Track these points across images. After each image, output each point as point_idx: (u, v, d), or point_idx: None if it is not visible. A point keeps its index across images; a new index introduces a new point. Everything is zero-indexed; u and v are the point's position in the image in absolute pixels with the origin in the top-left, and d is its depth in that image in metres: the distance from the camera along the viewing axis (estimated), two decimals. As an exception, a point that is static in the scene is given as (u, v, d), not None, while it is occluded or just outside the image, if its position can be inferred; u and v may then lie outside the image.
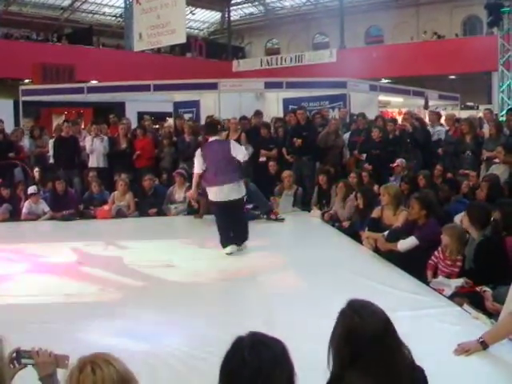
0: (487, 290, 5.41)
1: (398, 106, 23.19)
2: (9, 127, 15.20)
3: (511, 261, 5.83)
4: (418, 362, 2.85)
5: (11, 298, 6.47)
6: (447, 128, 12.80)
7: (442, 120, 14.02)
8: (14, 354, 2.80)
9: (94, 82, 23.27)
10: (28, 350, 2.82)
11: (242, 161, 8.50)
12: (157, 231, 10.66)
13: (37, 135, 14.98)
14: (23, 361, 2.80)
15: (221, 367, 2.19)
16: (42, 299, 6.39)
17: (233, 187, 8.40)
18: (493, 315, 5.10)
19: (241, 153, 8.45)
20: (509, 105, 21.51)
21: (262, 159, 13.03)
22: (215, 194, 8.45)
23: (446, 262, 6.47)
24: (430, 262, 6.71)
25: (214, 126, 9.26)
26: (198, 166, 8.58)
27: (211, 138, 8.81)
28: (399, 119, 14.65)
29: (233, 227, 8.58)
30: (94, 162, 13.57)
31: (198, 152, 8.66)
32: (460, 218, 6.98)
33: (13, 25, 30.45)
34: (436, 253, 6.67)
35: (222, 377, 2.19)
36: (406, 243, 7.41)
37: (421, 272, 6.77)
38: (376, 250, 8.11)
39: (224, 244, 8.44)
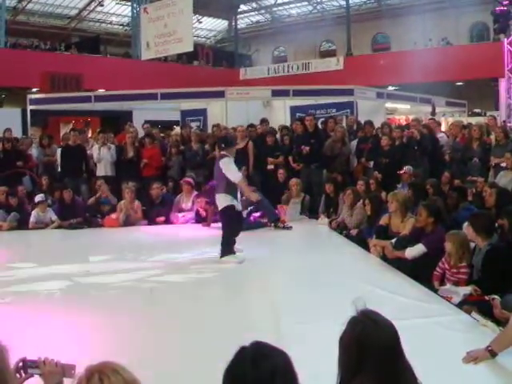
0: (496, 298, 5.39)
1: (405, 113, 23.16)
2: (17, 136, 15.26)
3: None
4: (426, 370, 2.83)
5: (15, 306, 6.47)
6: (453, 135, 12.82)
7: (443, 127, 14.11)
8: (21, 364, 2.79)
9: (101, 91, 23.31)
10: (34, 360, 2.80)
11: (233, 181, 8.65)
12: (164, 239, 10.65)
13: (46, 144, 15.03)
14: (29, 370, 2.79)
15: (223, 376, 2.19)
16: (47, 307, 6.41)
17: (217, 197, 8.84)
18: (501, 323, 5.07)
19: (232, 173, 8.64)
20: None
21: (270, 167, 13.04)
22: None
23: (452, 270, 6.45)
24: (435, 272, 6.70)
25: (219, 141, 9.66)
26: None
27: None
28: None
29: None
30: (101, 170, 13.61)
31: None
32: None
33: (21, 34, 30.55)
34: (440, 263, 6.65)
35: None
36: (414, 251, 7.40)
37: (429, 280, 6.75)
38: (384, 258, 8.09)
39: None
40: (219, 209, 8.89)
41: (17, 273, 8.18)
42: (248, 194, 9.22)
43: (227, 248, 8.61)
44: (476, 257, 6.27)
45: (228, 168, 8.59)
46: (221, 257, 8.56)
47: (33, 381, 2.83)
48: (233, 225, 8.80)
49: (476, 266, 6.20)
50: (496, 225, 6.54)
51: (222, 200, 8.70)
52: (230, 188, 8.65)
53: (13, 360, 2.64)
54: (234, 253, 8.62)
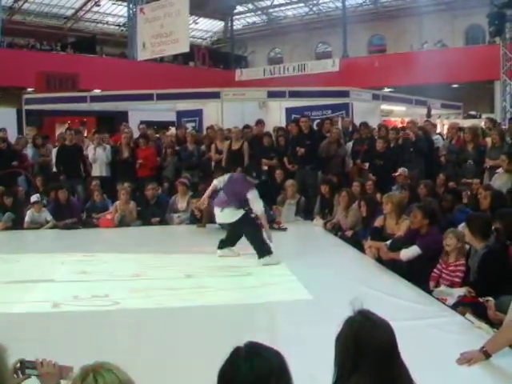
0: (490, 300, 5.40)
1: (400, 115, 23.21)
2: (12, 136, 15.24)
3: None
4: (420, 372, 2.84)
5: (11, 306, 6.47)
6: (449, 137, 12.88)
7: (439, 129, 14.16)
8: (18, 365, 2.80)
9: (97, 91, 23.30)
10: (32, 361, 2.81)
11: (255, 213, 8.71)
12: (159, 240, 10.66)
13: (39, 144, 15.02)
14: (27, 371, 2.79)
15: (217, 376, 2.20)
16: (43, 308, 6.40)
17: (226, 211, 8.67)
18: (495, 325, 5.10)
19: (258, 205, 8.65)
20: (511, 113, 21.57)
21: (264, 168, 13.05)
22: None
23: (449, 268, 6.49)
24: (433, 274, 6.72)
25: (251, 168, 9.83)
26: (215, 183, 9.12)
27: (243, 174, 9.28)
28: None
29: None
30: (96, 170, 13.61)
31: (228, 176, 9.13)
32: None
33: (16, 34, 30.50)
34: (439, 265, 6.68)
35: None
36: (409, 252, 7.41)
37: (423, 281, 6.77)
38: (379, 259, 8.11)
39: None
40: (232, 221, 8.74)
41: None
42: (267, 231, 8.98)
43: (263, 247, 8.55)
44: (472, 259, 6.29)
45: (257, 200, 8.62)
46: (259, 257, 8.48)
47: (30, 382, 2.84)
48: (256, 226, 8.81)
49: (472, 267, 6.21)
50: (492, 227, 6.56)
51: (235, 213, 8.60)
52: (243, 205, 8.65)
53: (11, 360, 2.65)
54: (271, 252, 8.50)
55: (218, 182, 9.08)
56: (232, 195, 8.64)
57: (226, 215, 8.71)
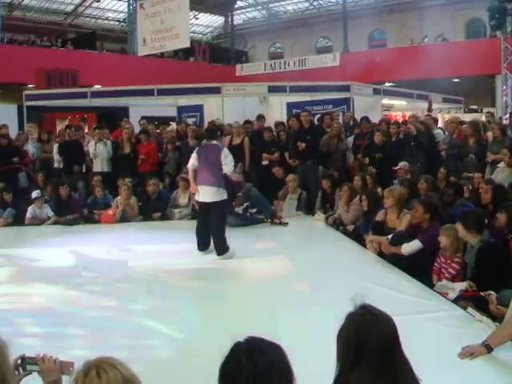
0: (491, 294, 5.41)
1: (401, 109, 23.15)
2: (13, 132, 15.22)
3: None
4: (422, 366, 2.84)
5: (13, 303, 6.47)
6: (450, 131, 12.85)
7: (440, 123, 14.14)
8: (19, 361, 2.80)
9: (97, 87, 23.24)
10: (33, 357, 2.81)
11: (225, 172, 8.76)
12: (161, 235, 10.64)
13: (44, 140, 15.01)
14: (28, 367, 2.80)
15: (219, 372, 2.20)
16: (44, 304, 6.40)
17: (210, 190, 8.71)
18: (497, 318, 5.10)
19: (228, 165, 8.75)
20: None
21: (265, 163, 13.04)
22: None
23: (447, 261, 6.49)
24: (434, 267, 6.72)
25: (212, 131, 9.75)
26: (191, 162, 9.06)
27: (208, 142, 9.20)
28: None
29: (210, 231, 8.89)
30: (97, 166, 13.57)
31: (195, 151, 9.22)
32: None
33: (17, 30, 30.47)
34: (438, 259, 6.68)
35: (220, 381, 2.19)
36: (410, 246, 7.42)
37: (425, 275, 6.78)
38: (380, 254, 8.11)
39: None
40: (213, 200, 8.71)
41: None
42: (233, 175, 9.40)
43: (224, 244, 8.60)
44: (468, 254, 6.29)
45: (229, 159, 8.73)
46: (219, 254, 8.55)
47: (31, 378, 2.83)
48: (224, 219, 8.94)
49: (469, 263, 6.21)
50: (486, 221, 6.55)
51: (220, 193, 8.70)
52: (224, 180, 8.76)
53: (12, 356, 2.65)
54: (228, 247, 8.61)
55: (190, 164, 9.08)
56: (210, 166, 8.73)
57: (209, 193, 8.71)
